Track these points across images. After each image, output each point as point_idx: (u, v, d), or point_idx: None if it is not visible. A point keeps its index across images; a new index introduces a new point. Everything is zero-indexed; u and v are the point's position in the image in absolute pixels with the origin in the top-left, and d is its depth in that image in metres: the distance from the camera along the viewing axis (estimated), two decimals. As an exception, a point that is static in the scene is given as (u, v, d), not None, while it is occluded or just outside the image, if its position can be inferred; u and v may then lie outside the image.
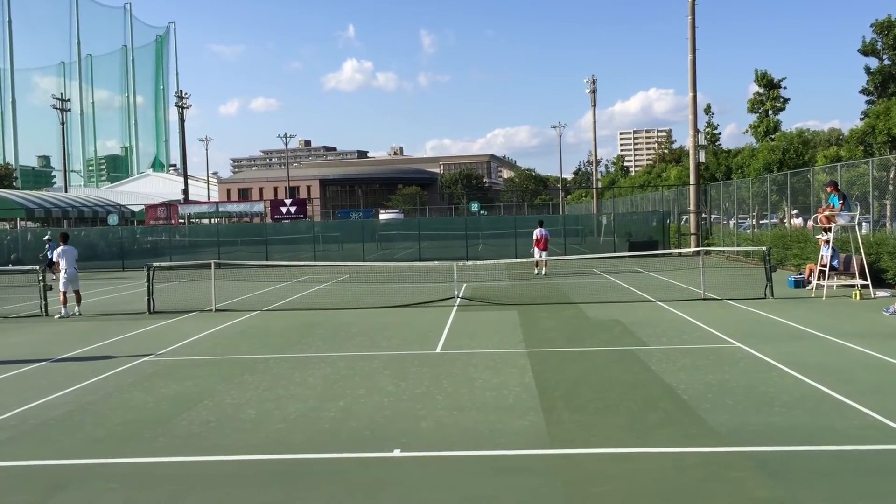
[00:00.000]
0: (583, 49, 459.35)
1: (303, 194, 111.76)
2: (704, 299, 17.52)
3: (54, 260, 18.40)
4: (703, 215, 37.09)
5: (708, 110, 50.46)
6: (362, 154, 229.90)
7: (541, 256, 25.88)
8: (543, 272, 26.05)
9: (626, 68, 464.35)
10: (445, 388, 9.34)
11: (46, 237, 33.36)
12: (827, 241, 18.23)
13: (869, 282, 17.20)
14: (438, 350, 12.13)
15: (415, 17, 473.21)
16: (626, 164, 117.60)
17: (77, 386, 10.08)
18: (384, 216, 68.12)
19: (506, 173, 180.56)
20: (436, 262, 27.99)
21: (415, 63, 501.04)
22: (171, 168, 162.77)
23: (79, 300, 18.29)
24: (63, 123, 74.94)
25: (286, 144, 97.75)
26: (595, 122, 67.40)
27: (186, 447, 7.24)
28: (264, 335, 14.25)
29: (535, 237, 26.54)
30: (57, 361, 12.09)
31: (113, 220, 50.86)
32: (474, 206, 56.57)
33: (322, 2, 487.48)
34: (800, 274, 20.56)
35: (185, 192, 70.94)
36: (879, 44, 34.56)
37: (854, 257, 17.94)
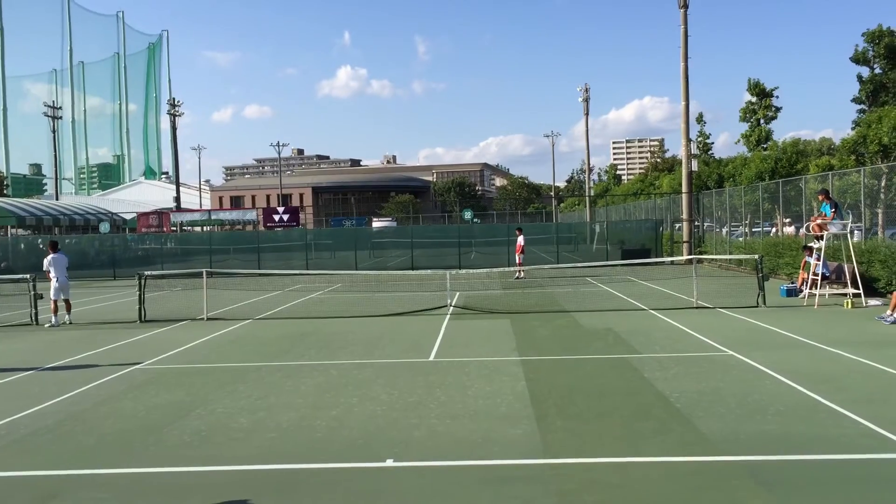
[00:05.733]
0: (578, 57, 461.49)
1: (295, 202, 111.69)
2: (697, 308, 17.54)
3: (45, 269, 18.25)
4: (696, 223, 37.19)
5: (700, 119, 50.74)
6: (355, 162, 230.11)
7: (519, 261, 29.21)
8: (521, 276, 28.72)
9: (621, 77, 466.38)
10: (438, 396, 9.32)
11: None
12: (810, 251, 18.52)
13: (861, 290, 17.26)
14: (431, 358, 12.10)
15: (411, 24, 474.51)
16: (618, 172, 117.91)
17: (68, 395, 10.02)
18: (377, 224, 68.16)
19: (499, 181, 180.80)
20: (429, 271, 28.06)
21: (410, 70, 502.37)
22: (163, 176, 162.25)
23: (68, 309, 18.22)
24: (54, 131, 74.72)
25: (279, 153, 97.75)
26: (588, 130, 67.59)
27: (178, 457, 7.19)
28: (256, 344, 14.20)
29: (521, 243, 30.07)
30: (47, 370, 12.02)
31: (104, 227, 50.67)
32: (467, 215, 56.69)
33: (318, 9, 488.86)
34: (792, 282, 20.63)
35: (177, 199, 70.78)
36: (871, 53, 34.78)
37: (846, 266, 18.00)
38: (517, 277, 28.50)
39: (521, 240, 29.78)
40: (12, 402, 9.62)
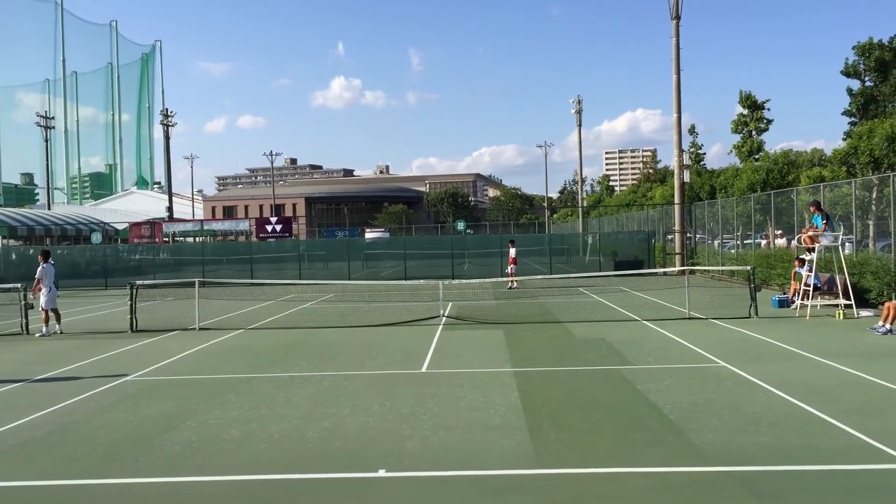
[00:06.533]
0: (571, 69, 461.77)
1: (288, 212, 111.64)
2: (690, 318, 17.57)
3: (36, 277, 18.16)
4: (688, 235, 37.28)
5: (692, 131, 50.90)
6: (348, 172, 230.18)
7: (512, 272, 29.40)
8: (514, 286, 28.95)
9: (614, 88, 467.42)
10: (431, 407, 9.29)
11: None
12: (801, 261, 18.62)
13: (852, 301, 17.31)
14: (424, 369, 12.08)
15: (405, 35, 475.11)
16: (611, 183, 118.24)
17: (58, 405, 9.95)
18: (370, 235, 68.07)
19: (492, 192, 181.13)
20: (421, 281, 28.05)
21: (404, 81, 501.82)
22: (156, 186, 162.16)
23: (58, 319, 18.12)
24: (47, 140, 74.73)
25: (272, 162, 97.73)
26: (580, 141, 67.79)
27: (169, 468, 7.15)
28: (248, 354, 14.15)
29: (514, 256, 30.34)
30: (37, 381, 11.95)
31: (96, 238, 50.51)
32: (460, 225, 56.73)
33: (311, 20, 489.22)
34: (784, 293, 20.68)
35: (170, 209, 70.65)
36: (861, 66, 35.00)
37: (837, 277, 18.07)
38: (510, 287, 28.68)
39: (513, 252, 30.06)
40: (2, 413, 9.56)
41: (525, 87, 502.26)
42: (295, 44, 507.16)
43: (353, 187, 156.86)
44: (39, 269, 18.22)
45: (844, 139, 33.92)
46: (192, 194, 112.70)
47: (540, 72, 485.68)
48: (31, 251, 40.16)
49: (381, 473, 6.77)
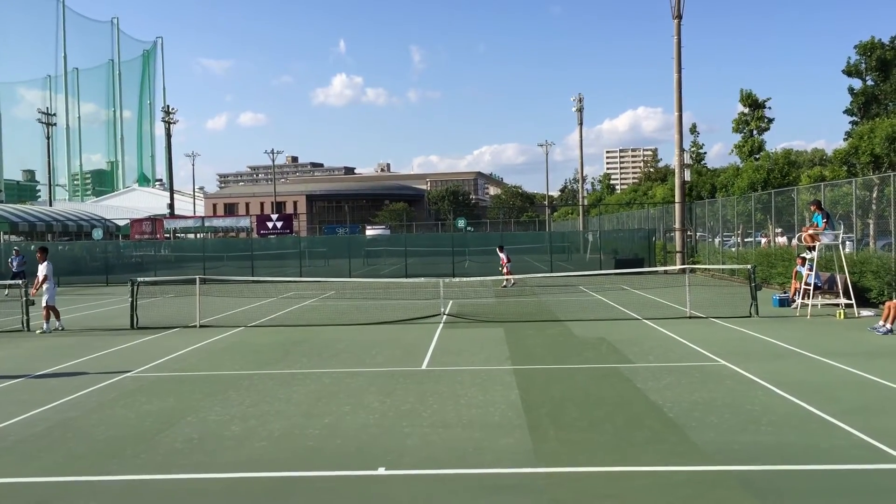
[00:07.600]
0: (572, 67, 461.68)
1: (289, 210, 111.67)
2: (690, 317, 17.57)
3: (42, 275, 18.10)
4: (689, 233, 37.26)
5: (693, 130, 50.90)
6: (349, 170, 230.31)
7: (506, 272, 29.66)
8: (511, 284, 29.27)
9: (615, 87, 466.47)
10: (431, 405, 9.30)
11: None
12: (802, 260, 18.61)
13: (853, 301, 17.31)
14: (424, 367, 12.08)
15: (406, 33, 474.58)
16: (612, 182, 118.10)
17: (58, 402, 9.96)
18: (371, 232, 68.08)
19: (492, 190, 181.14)
20: (422, 279, 28.04)
21: (405, 79, 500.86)
22: (157, 183, 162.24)
23: (57, 316, 18.10)
24: (48, 137, 74.74)
25: (273, 160, 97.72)
26: (581, 140, 67.92)
27: (169, 464, 7.15)
28: (249, 351, 14.16)
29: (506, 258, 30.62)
30: (38, 377, 11.96)
31: (97, 234, 50.54)
32: (461, 223, 56.77)
33: (313, 17, 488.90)
34: (784, 292, 20.68)
35: (171, 206, 70.68)
36: (863, 65, 35.01)
37: (838, 276, 18.06)
38: (504, 286, 28.75)
39: (503, 256, 30.17)
40: (2, 409, 9.57)
41: (526, 86, 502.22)
42: (296, 41, 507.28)
43: (354, 185, 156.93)
44: (43, 266, 18.13)
45: (845, 139, 33.92)
46: (194, 191, 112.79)
47: (541, 70, 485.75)
48: (33, 247, 40.18)
49: (381, 471, 6.78)
